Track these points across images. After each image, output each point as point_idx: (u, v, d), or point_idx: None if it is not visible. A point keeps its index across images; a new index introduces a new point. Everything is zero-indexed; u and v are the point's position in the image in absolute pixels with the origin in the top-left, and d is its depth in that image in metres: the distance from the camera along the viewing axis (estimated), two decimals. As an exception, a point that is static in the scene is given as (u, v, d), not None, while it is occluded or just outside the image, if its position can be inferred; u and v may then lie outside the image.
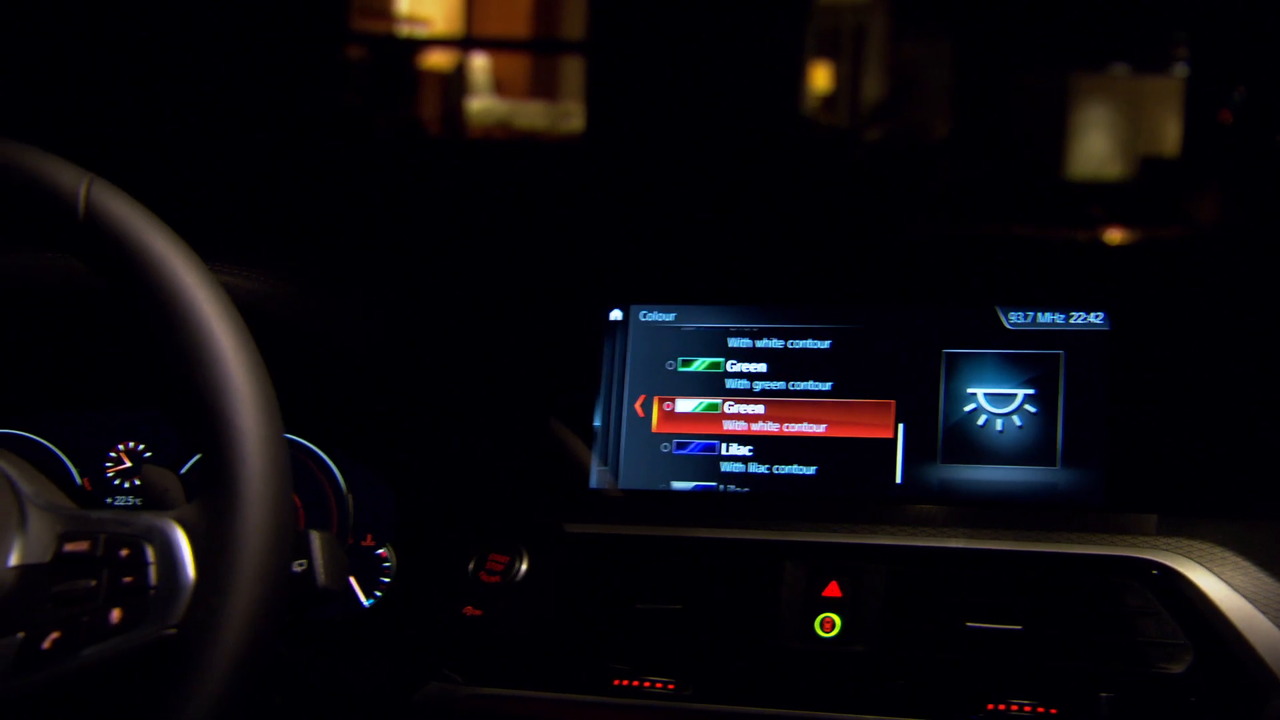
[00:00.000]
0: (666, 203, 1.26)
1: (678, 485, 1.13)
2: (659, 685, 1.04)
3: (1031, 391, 1.07)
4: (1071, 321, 1.07)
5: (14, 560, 0.78)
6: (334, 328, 1.15)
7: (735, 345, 1.13)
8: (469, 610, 1.08)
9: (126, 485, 1.28)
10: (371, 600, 1.19)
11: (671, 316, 1.15)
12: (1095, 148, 1.84)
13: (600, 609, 1.07)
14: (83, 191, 0.81)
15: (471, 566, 1.09)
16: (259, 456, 0.78)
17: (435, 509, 1.16)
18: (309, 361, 1.14)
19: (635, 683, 1.04)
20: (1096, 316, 1.07)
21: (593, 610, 1.07)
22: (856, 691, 1.01)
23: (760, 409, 1.12)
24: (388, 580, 1.19)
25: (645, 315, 1.16)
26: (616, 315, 1.16)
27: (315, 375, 1.15)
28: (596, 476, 1.14)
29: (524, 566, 1.09)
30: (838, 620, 1.03)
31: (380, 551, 1.20)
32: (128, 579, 0.77)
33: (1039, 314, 1.08)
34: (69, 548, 0.78)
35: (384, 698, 1.08)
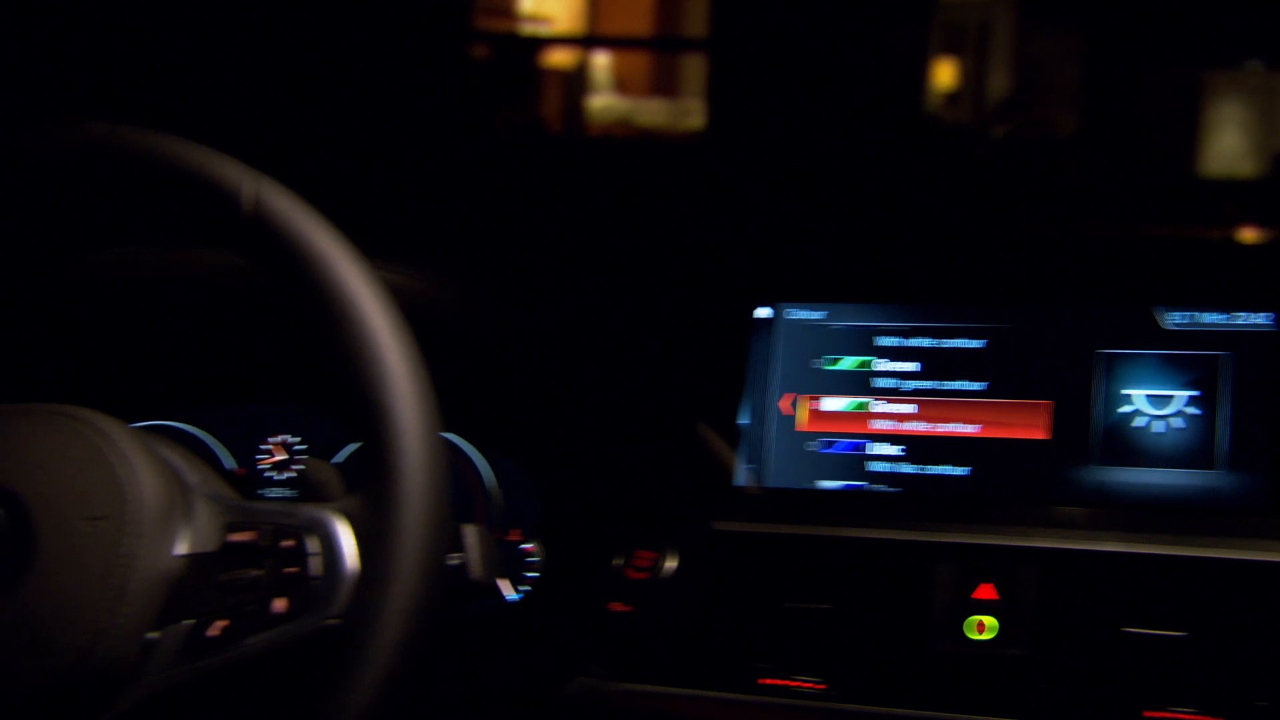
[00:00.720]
0: (806, 201, 1.25)
1: (824, 484, 1.12)
2: (807, 685, 1.03)
3: (1195, 393, 1.04)
4: (1237, 322, 1.05)
5: (183, 549, 0.80)
6: (484, 325, 1.16)
7: (884, 344, 1.12)
8: (616, 606, 1.08)
9: (278, 478, 1.30)
10: (517, 595, 1.20)
11: (820, 315, 1.14)
12: (1228, 145, 1.79)
13: (747, 607, 1.07)
14: (249, 189, 0.83)
15: (618, 562, 1.10)
16: (418, 451, 0.79)
17: (581, 505, 1.16)
18: (457, 358, 1.15)
19: (782, 681, 1.04)
20: (1263, 317, 1.04)
21: (740, 608, 1.07)
22: (1010, 696, 1.00)
23: (911, 408, 1.11)
24: (534, 575, 1.20)
25: (793, 313, 1.15)
26: (764, 313, 1.16)
27: (463, 371, 1.17)
28: (743, 474, 1.14)
29: (671, 563, 1.09)
30: (990, 623, 1.01)
31: (526, 546, 1.20)
32: (291, 569, 0.78)
33: (1201, 314, 1.05)
34: (234, 538, 0.80)
35: (531, 692, 1.09)
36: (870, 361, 1.13)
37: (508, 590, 1.20)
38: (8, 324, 1.14)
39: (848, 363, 1.13)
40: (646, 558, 1.09)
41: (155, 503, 0.80)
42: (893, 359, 1.12)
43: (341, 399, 0.81)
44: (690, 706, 1.06)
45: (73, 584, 0.77)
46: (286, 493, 1.29)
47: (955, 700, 1.01)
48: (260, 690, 0.82)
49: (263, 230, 0.83)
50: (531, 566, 1.20)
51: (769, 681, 1.04)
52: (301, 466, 1.30)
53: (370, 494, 0.79)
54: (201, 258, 1.09)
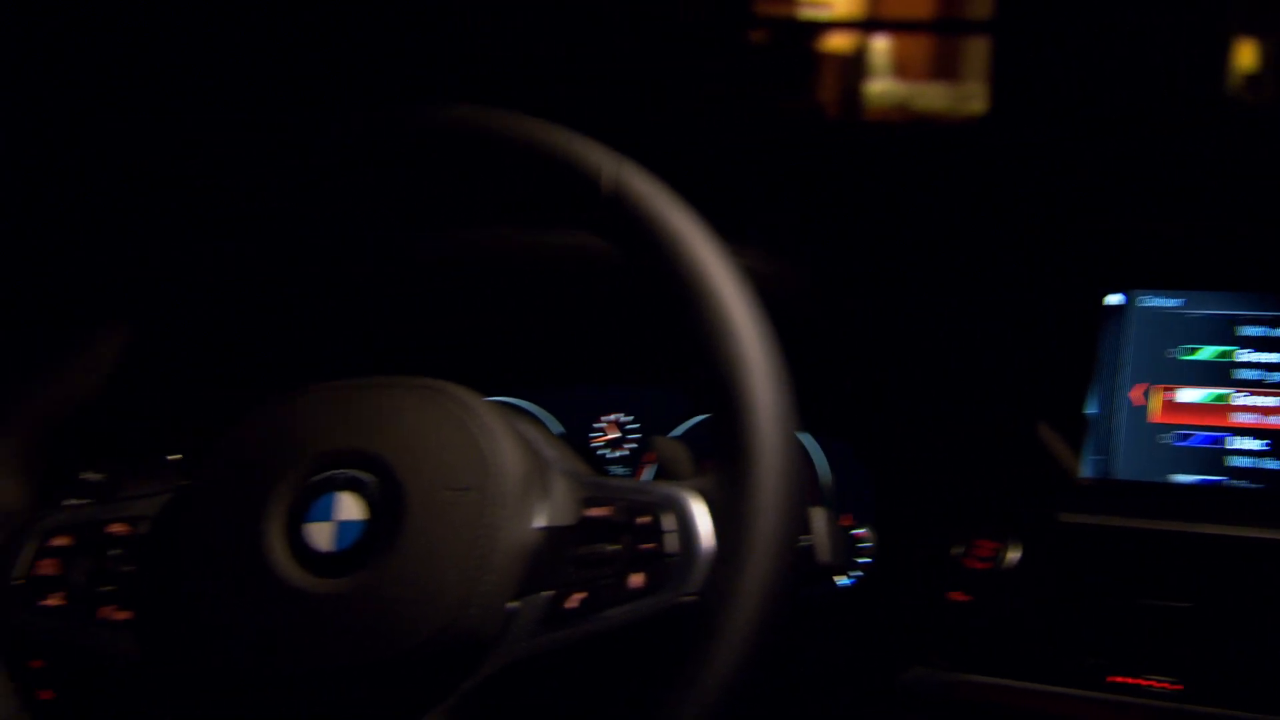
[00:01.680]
0: (1149, 186, 1.19)
1: (1178, 478, 1.07)
2: (1161, 685, 0.99)
3: None
4: None
5: (541, 522, 0.81)
6: (826, 310, 1.16)
7: (1248, 334, 1.07)
8: (955, 595, 1.06)
9: (611, 456, 1.32)
10: (850, 580, 1.19)
11: (1177, 302, 1.09)
12: None
13: (1094, 602, 1.03)
14: (608, 171, 0.84)
15: (957, 551, 1.07)
16: (774, 431, 0.79)
17: (918, 492, 1.15)
18: (795, 340, 1.15)
19: (1134, 680, 1.00)
20: None
21: (1086, 603, 1.03)
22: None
23: (1277, 401, 1.05)
24: (866, 561, 1.18)
25: (1147, 301, 1.10)
26: (1115, 300, 1.11)
27: (799, 354, 1.16)
28: (1089, 466, 1.10)
29: (1014, 554, 1.06)
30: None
31: (858, 532, 1.19)
32: (647, 545, 0.79)
33: None
34: (591, 513, 0.82)
35: (867, 679, 1.08)
36: (1232, 352, 1.07)
37: (839, 575, 1.19)
38: (367, 301, 1.19)
39: (1207, 353, 1.08)
40: (988, 548, 1.06)
41: (516, 476, 0.82)
42: (1258, 349, 1.06)
43: (697, 379, 0.81)
44: (1034, 701, 1.02)
45: (439, 552, 0.80)
46: (620, 471, 1.31)
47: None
48: (615, 664, 0.83)
49: (621, 211, 0.84)
50: (863, 553, 1.19)
51: (1119, 680, 1.00)
52: (633, 445, 1.33)
53: (726, 473, 0.79)
54: (558, 239, 1.12)
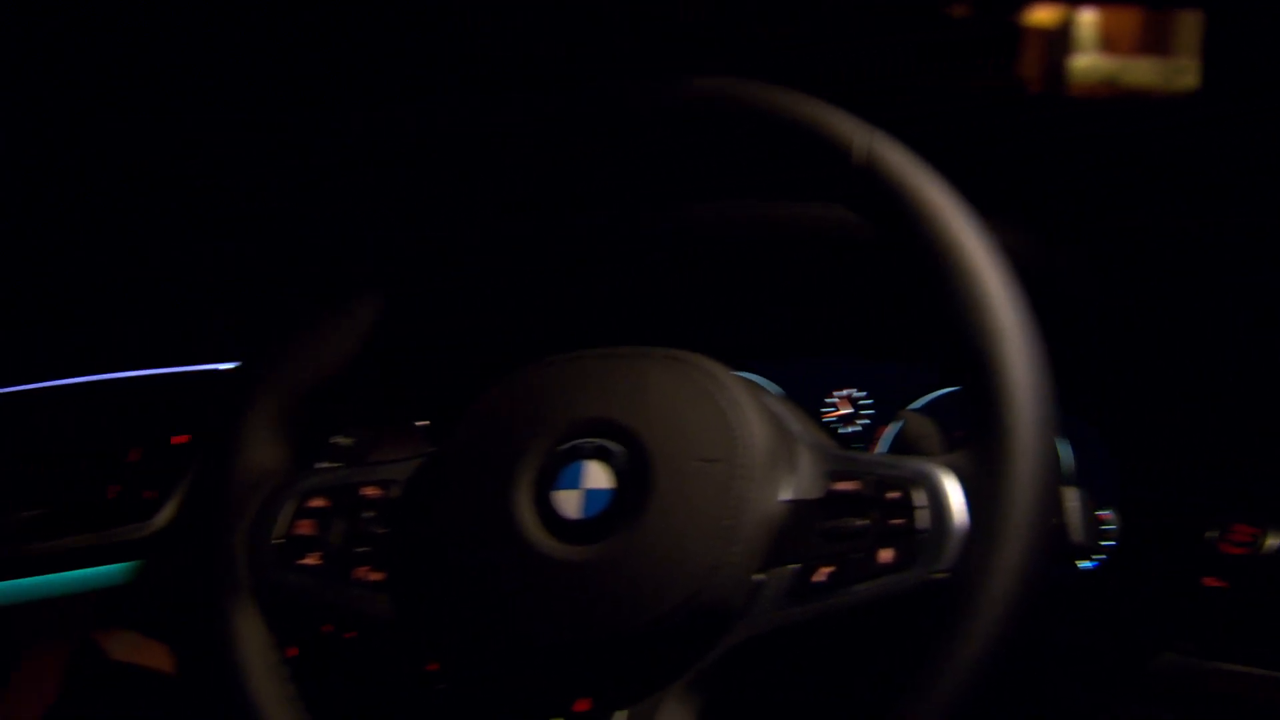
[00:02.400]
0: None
1: None
2: None
3: None
4: None
5: (788, 495, 0.81)
6: (1074, 286, 1.12)
7: None
8: (1210, 581, 1.02)
9: (844, 431, 1.31)
10: (1093, 563, 1.15)
11: None
12: None
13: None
14: (860, 141, 0.83)
15: (1211, 535, 1.03)
16: (1031, 407, 0.77)
17: (1167, 475, 1.11)
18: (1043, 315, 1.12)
19: None
20: None
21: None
22: None
23: None
24: (1110, 545, 1.15)
25: None
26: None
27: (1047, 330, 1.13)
28: (1356, 448, 1.05)
29: (1274, 541, 1.01)
30: None
31: (1102, 514, 1.16)
32: (896, 521, 0.78)
33: None
34: (838, 486, 0.81)
35: (1116, 664, 1.05)
36: None
37: (1087, 558, 1.15)
38: (608, 274, 1.20)
39: None
40: (1245, 532, 1.02)
41: (764, 448, 0.81)
42: None
43: (951, 353, 0.80)
44: (1294, 694, 0.98)
45: (686, 523, 0.80)
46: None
47: None
48: (862, 640, 0.82)
49: (874, 182, 0.83)
50: (1106, 535, 1.15)
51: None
52: (866, 421, 1.31)
53: (980, 449, 0.77)
54: (807, 211, 1.11)
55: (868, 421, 1.31)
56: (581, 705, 0.81)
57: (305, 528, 0.89)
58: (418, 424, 1.10)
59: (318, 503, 0.90)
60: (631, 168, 1.00)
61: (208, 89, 1.23)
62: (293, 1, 1.21)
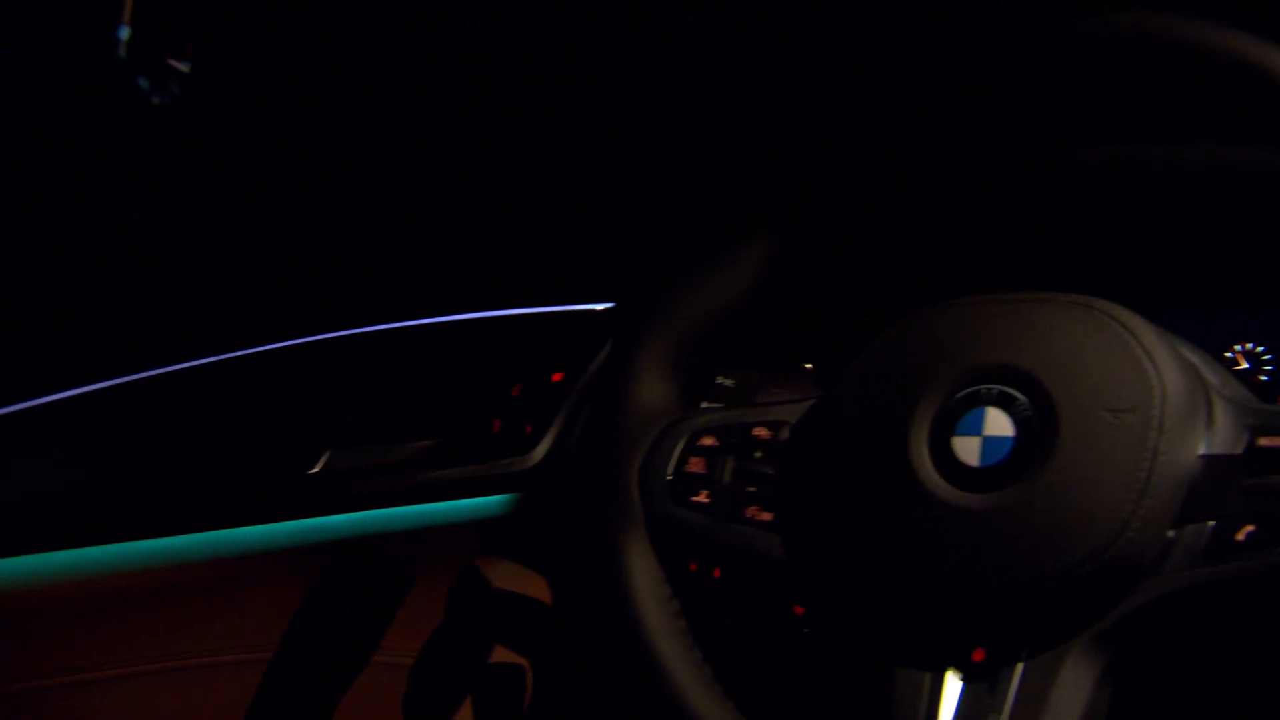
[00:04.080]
0: None
1: None
2: None
3: None
4: None
5: (1203, 449, 0.77)
6: None
7: None
8: None
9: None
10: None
11: None
12: None
13: None
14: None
15: None
16: None
17: None
18: None
19: None
20: None
21: None
22: None
23: None
24: None
25: None
26: None
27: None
28: None
29: None
30: None
31: None
32: None
33: None
34: (1263, 442, 0.76)
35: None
36: None
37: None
38: (991, 216, 1.16)
39: None
40: None
41: (1180, 400, 0.78)
42: None
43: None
44: None
45: (1093, 475, 0.77)
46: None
47: None
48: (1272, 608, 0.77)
49: None
50: None
51: None
52: (1266, 377, 1.24)
53: None
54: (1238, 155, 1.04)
55: (1266, 379, 1.23)
56: (978, 655, 0.79)
57: (696, 465, 0.90)
58: (804, 366, 1.10)
59: (708, 441, 0.90)
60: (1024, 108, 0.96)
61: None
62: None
